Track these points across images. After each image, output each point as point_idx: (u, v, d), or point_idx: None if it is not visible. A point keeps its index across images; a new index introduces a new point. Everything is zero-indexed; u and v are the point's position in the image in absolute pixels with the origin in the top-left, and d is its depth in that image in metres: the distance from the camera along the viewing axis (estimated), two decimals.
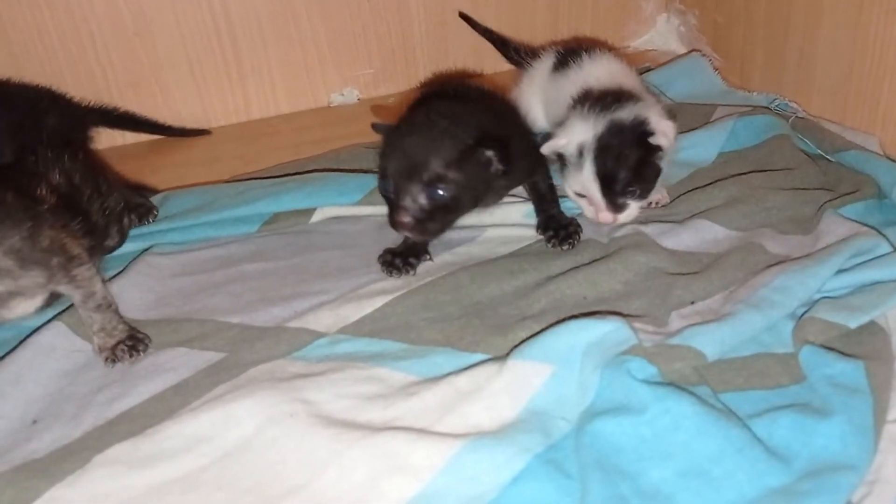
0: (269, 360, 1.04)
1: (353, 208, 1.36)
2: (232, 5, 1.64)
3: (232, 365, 1.03)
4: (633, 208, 1.21)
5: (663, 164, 1.22)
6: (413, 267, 1.20)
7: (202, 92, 1.70)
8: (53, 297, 1.08)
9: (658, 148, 1.19)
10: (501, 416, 0.91)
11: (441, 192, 1.06)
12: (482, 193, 1.12)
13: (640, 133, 1.18)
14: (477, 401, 0.93)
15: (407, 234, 1.10)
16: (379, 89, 1.82)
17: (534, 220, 1.27)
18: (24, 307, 1.05)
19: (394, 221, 1.08)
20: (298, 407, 0.93)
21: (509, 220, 1.29)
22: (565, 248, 1.20)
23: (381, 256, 1.22)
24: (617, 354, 0.94)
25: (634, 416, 0.87)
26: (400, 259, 1.20)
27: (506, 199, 1.32)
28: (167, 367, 1.04)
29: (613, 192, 1.18)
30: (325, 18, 1.71)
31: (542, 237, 1.23)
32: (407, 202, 1.07)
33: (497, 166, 1.08)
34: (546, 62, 1.46)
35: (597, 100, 1.23)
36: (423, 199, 1.07)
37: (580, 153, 1.19)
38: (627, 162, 1.17)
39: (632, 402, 0.88)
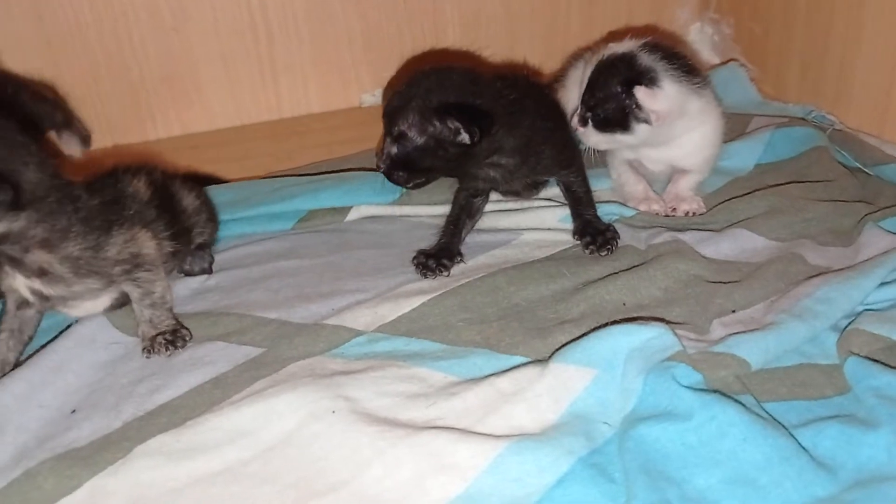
0: (308, 357, 1.04)
1: (388, 208, 1.36)
2: (270, 3, 1.65)
3: (271, 360, 1.04)
4: (591, 131, 1.27)
5: (636, 128, 1.24)
6: (446, 268, 1.20)
7: (235, 89, 1.71)
8: (124, 299, 1.09)
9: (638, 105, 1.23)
10: (544, 418, 0.91)
11: (403, 148, 1.11)
12: (453, 158, 1.13)
13: (629, 72, 1.23)
14: (519, 402, 0.93)
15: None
16: None
17: (569, 225, 1.27)
18: (89, 307, 1.06)
19: (377, 163, 1.15)
20: (340, 403, 0.93)
21: (545, 224, 1.29)
22: (603, 253, 1.20)
23: (414, 258, 1.22)
24: (661, 360, 0.94)
25: (680, 422, 0.86)
26: (433, 260, 1.20)
27: (541, 204, 1.33)
28: (206, 360, 1.05)
29: (583, 108, 1.27)
30: (361, 18, 1.72)
31: (578, 242, 1.23)
32: (384, 149, 1.14)
33: (461, 136, 1.10)
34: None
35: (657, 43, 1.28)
36: (393, 150, 1.12)
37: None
38: (602, 89, 1.24)
39: (677, 408, 0.88)
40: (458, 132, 1.09)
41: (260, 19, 1.66)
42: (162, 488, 0.87)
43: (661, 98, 1.22)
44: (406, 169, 1.12)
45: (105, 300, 1.07)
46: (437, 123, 1.09)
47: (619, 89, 1.23)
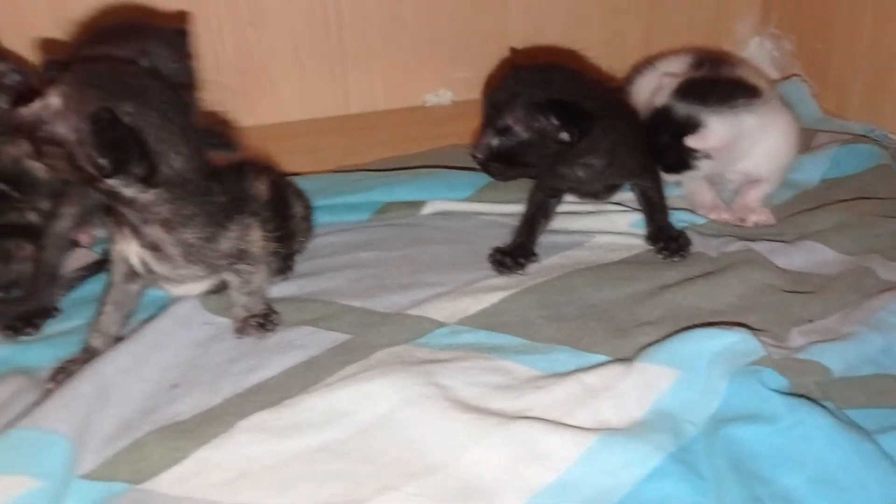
0: (395, 345, 1.08)
1: (462, 204, 1.40)
2: (345, 1, 1.68)
3: (359, 346, 1.08)
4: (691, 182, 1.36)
5: (701, 164, 1.30)
6: (522, 266, 1.24)
7: (305, 83, 1.75)
8: (222, 285, 1.12)
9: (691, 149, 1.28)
10: (629, 415, 0.95)
11: (506, 141, 1.14)
12: (551, 157, 1.16)
13: (676, 129, 1.28)
14: (605, 399, 0.96)
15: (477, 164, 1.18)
16: (473, 92, 1.84)
17: (640, 230, 1.30)
18: (190, 288, 1.11)
19: (472, 153, 1.18)
20: (433, 390, 0.97)
21: (616, 227, 1.32)
22: (676, 259, 1.23)
23: (491, 255, 1.25)
24: (745, 364, 0.97)
25: (767, 424, 0.90)
26: (510, 258, 1.24)
27: (612, 208, 1.37)
28: (296, 343, 1.09)
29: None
30: (430, 18, 1.76)
31: (651, 247, 1.27)
32: (483, 140, 1.15)
33: (562, 134, 1.13)
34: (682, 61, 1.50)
35: (695, 84, 1.32)
36: (494, 142, 1.15)
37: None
38: (653, 141, 1.30)
39: (764, 410, 0.91)
40: (559, 130, 1.12)
41: (333, 16, 1.70)
42: (265, 462, 0.91)
43: (711, 136, 1.27)
44: (504, 161, 1.15)
45: (205, 284, 1.11)
46: (542, 120, 1.12)
47: (670, 143, 1.29)
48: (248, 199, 1.09)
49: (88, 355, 1.04)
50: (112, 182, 0.92)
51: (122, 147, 0.89)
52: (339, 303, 1.16)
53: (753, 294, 1.14)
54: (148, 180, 0.93)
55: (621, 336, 1.08)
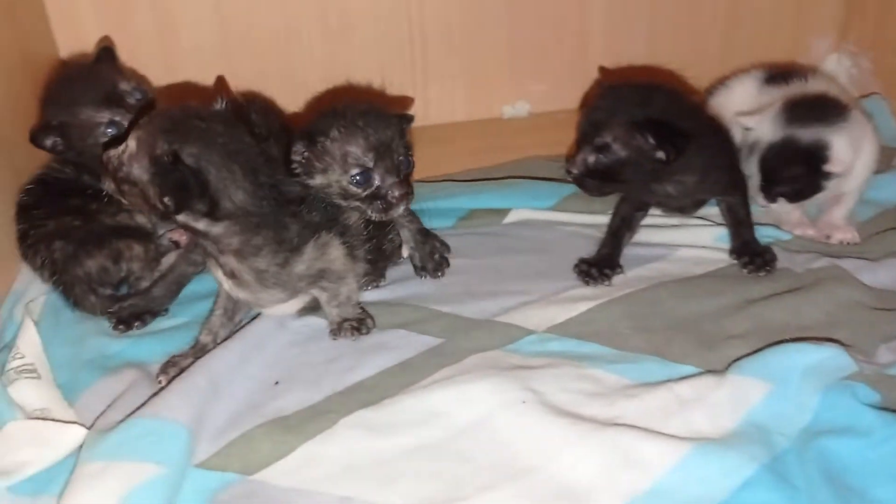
0: (486, 350, 1.11)
1: (545, 213, 1.43)
2: (429, 13, 1.73)
3: (451, 350, 1.11)
4: (783, 204, 1.34)
5: (829, 185, 1.30)
6: (608, 277, 1.26)
7: (387, 94, 1.80)
8: (315, 303, 1.17)
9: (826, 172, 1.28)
10: (722, 425, 0.97)
11: (603, 159, 1.17)
12: (646, 175, 1.19)
13: (812, 156, 1.28)
14: (698, 409, 0.99)
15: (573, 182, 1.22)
16: (550, 105, 1.88)
17: (724, 244, 1.32)
18: (280, 309, 1.15)
19: (567, 169, 1.21)
20: (528, 395, 1.01)
21: (700, 241, 1.34)
22: (762, 274, 1.24)
23: (576, 265, 1.28)
24: (838, 379, 0.98)
25: (860, 437, 0.92)
26: (596, 269, 1.27)
27: (695, 222, 1.38)
28: (390, 345, 1.13)
29: (769, 191, 1.32)
30: (511, 31, 1.79)
31: (735, 261, 1.28)
32: (579, 157, 1.19)
33: (659, 153, 1.15)
34: (754, 77, 1.53)
35: (796, 108, 1.32)
36: (590, 159, 1.18)
37: (752, 148, 1.32)
38: (785, 174, 1.30)
39: (857, 424, 0.93)
40: (656, 149, 1.14)
41: (417, 29, 1.74)
42: (368, 458, 0.95)
43: (842, 155, 1.28)
44: (600, 178, 1.18)
45: (295, 304, 1.16)
46: (640, 139, 1.14)
47: (805, 171, 1.30)
48: (333, 220, 1.13)
49: (197, 351, 1.10)
50: (182, 217, 0.99)
51: (183, 186, 0.95)
52: (429, 307, 1.20)
53: (841, 310, 1.15)
54: (211, 215, 0.98)
55: (709, 348, 1.10)
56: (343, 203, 1.12)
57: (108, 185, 1.01)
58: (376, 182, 1.10)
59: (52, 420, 1.00)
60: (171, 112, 1.00)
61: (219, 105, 1.03)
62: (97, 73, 1.31)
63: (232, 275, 1.07)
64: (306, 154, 1.10)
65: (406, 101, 1.61)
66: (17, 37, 1.41)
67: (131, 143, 0.97)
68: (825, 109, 1.32)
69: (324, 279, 1.12)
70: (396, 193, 1.10)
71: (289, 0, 1.65)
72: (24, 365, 1.07)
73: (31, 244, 1.23)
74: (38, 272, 1.24)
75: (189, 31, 1.63)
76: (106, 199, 1.06)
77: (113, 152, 0.98)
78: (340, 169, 1.09)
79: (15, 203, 1.27)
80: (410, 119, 1.20)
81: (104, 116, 1.26)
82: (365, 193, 1.10)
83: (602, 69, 1.42)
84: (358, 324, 1.15)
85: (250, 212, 1.01)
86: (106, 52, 1.36)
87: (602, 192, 1.23)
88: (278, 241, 1.05)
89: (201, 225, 1.00)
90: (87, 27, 1.58)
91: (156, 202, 0.97)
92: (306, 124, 1.15)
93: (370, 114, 1.12)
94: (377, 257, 1.21)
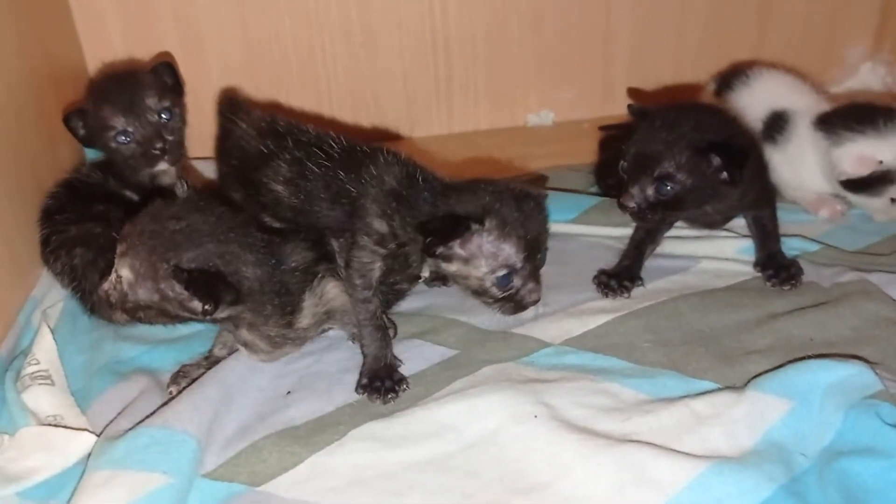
0: (501, 362, 1.10)
1: (566, 226, 1.41)
2: (452, 23, 1.72)
3: (466, 362, 1.10)
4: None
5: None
6: (628, 290, 1.24)
7: (411, 103, 1.79)
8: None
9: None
10: (740, 444, 0.94)
11: (668, 188, 1.13)
12: (707, 198, 1.16)
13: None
14: (715, 426, 0.96)
15: (629, 216, 1.18)
16: (574, 113, 1.87)
17: (748, 256, 1.28)
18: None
19: (620, 203, 1.16)
20: (541, 409, 0.99)
21: (722, 253, 1.31)
22: (786, 288, 1.21)
23: (596, 277, 1.26)
24: (862, 398, 0.95)
25: (884, 459, 0.88)
26: (615, 281, 1.24)
27: (718, 234, 1.35)
28: (405, 356, 1.12)
29: None
30: (536, 40, 1.78)
31: (759, 274, 1.25)
32: (635, 190, 1.15)
33: (724, 175, 1.12)
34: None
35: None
36: (650, 191, 1.14)
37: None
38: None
39: (880, 445, 0.89)
40: (720, 171, 1.11)
41: (441, 38, 1.74)
42: (377, 471, 0.94)
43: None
44: (663, 210, 1.15)
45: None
46: (706, 164, 1.11)
47: None
48: (326, 257, 1.12)
49: (210, 362, 1.10)
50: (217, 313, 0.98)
51: (207, 288, 0.94)
52: (444, 317, 1.19)
53: (868, 326, 1.11)
54: (238, 301, 0.98)
55: (729, 364, 1.07)
56: (464, 292, 1.05)
57: (120, 318, 1.02)
58: (516, 284, 1.02)
59: (64, 427, 1.01)
60: (146, 228, 0.97)
61: (181, 191, 1.02)
62: (136, 81, 1.33)
63: (245, 344, 1.08)
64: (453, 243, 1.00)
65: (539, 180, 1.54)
66: (44, 49, 1.43)
67: (125, 273, 0.96)
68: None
69: (331, 319, 1.12)
70: (532, 298, 1.03)
71: (312, 10, 1.66)
72: (38, 371, 1.08)
73: (53, 249, 1.24)
74: (58, 277, 1.25)
75: (213, 42, 1.65)
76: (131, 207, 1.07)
77: (107, 287, 0.98)
78: (488, 267, 1.00)
79: (40, 207, 1.28)
80: (545, 197, 1.10)
81: (118, 122, 1.28)
82: (501, 295, 1.02)
83: (630, 90, 1.39)
84: None
85: (262, 283, 1.01)
86: (163, 66, 1.38)
87: (661, 222, 1.20)
88: (282, 306, 1.05)
89: (226, 313, 1.00)
90: (114, 39, 1.60)
91: (181, 312, 0.97)
92: (445, 191, 1.05)
93: (526, 203, 1.02)
94: (390, 297, 1.20)
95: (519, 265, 1.01)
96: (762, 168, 1.26)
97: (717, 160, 1.11)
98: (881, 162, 1.31)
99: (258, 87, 1.70)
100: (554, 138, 1.80)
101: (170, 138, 1.31)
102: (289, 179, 1.14)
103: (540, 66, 1.81)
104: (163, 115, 1.31)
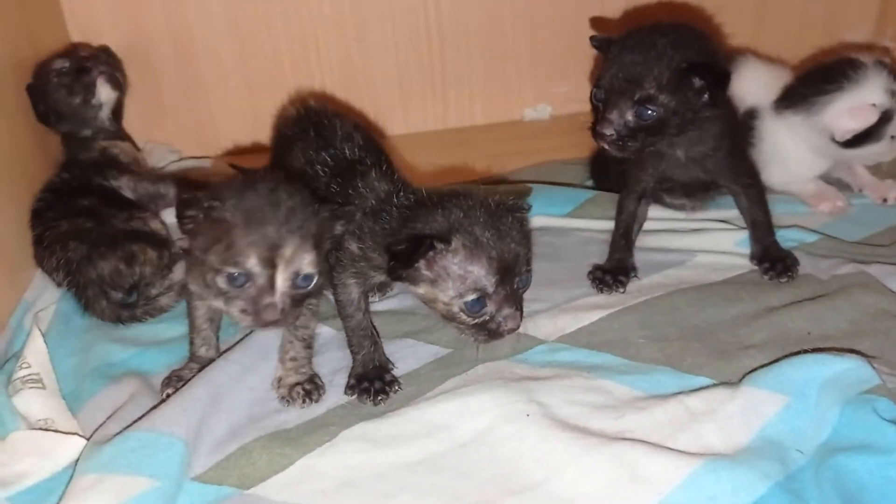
0: (494, 360, 1.08)
1: (561, 220, 1.39)
2: (446, 18, 1.71)
3: (458, 360, 1.09)
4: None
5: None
6: (623, 285, 1.22)
7: (405, 98, 1.78)
8: None
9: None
10: (734, 440, 0.93)
11: (650, 112, 1.07)
12: (687, 124, 1.09)
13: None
14: (709, 422, 0.95)
15: (605, 146, 1.10)
16: (571, 107, 1.83)
17: (745, 249, 1.27)
18: None
19: (596, 132, 1.10)
20: (533, 408, 0.98)
21: (719, 246, 1.30)
22: (783, 280, 1.19)
23: (590, 272, 1.25)
24: (858, 393, 0.94)
25: (880, 455, 0.87)
26: (610, 276, 1.23)
27: (715, 226, 1.34)
28: (397, 356, 1.11)
29: None
30: (530, 35, 1.76)
31: (756, 267, 1.23)
32: (614, 116, 1.08)
33: (706, 96, 1.07)
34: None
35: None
36: (629, 116, 1.08)
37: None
38: None
39: (877, 441, 0.88)
40: (702, 93, 1.06)
41: (435, 33, 1.72)
42: (367, 472, 0.93)
43: None
44: (643, 137, 1.08)
45: None
46: (687, 85, 1.05)
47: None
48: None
49: (198, 363, 1.09)
50: None
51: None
52: None
53: (866, 319, 1.10)
54: None
55: (725, 358, 1.05)
56: (438, 315, 0.97)
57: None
58: (489, 310, 0.94)
59: (54, 431, 1.00)
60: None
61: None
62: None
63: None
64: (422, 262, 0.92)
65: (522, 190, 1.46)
66: (34, 48, 1.42)
67: None
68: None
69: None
70: (508, 326, 0.94)
71: (304, 4, 1.64)
72: (29, 375, 1.07)
73: (47, 245, 1.25)
74: (53, 274, 1.25)
75: (204, 36, 1.63)
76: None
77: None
78: (455, 291, 0.92)
79: (29, 210, 1.29)
80: (528, 208, 1.02)
81: (56, 62, 1.38)
82: (472, 322, 0.94)
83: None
84: (311, 387, 1.05)
85: None
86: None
87: (639, 153, 1.12)
88: None
89: None
90: (104, 35, 1.58)
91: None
92: (415, 208, 0.98)
93: (502, 219, 0.94)
94: None
95: (490, 289, 0.92)
96: (735, 125, 1.23)
97: (699, 81, 1.06)
98: (874, 105, 1.29)
99: (250, 81, 1.69)
100: (551, 132, 1.79)
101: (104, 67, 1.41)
102: (303, 165, 1.12)
103: (535, 60, 1.79)
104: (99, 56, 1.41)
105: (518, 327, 0.95)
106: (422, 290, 0.94)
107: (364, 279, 1.05)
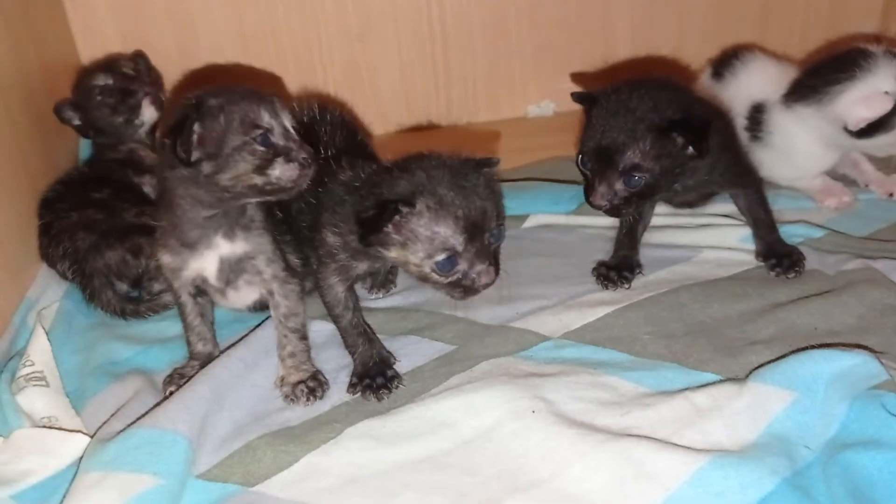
0: (499, 357, 1.08)
1: (565, 217, 1.39)
2: (449, 15, 1.70)
3: (463, 357, 1.08)
4: None
5: None
6: (628, 281, 1.22)
7: (409, 95, 1.78)
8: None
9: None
10: (741, 436, 0.92)
11: (637, 179, 1.08)
12: (676, 177, 1.11)
13: None
14: (716, 419, 0.94)
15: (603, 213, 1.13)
16: (576, 104, 1.83)
17: (750, 245, 1.26)
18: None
19: (590, 202, 1.12)
20: (539, 404, 0.97)
21: (725, 242, 1.29)
22: (791, 276, 1.19)
23: (595, 269, 1.24)
24: (866, 388, 0.93)
25: (888, 451, 0.86)
26: (615, 272, 1.22)
27: (721, 221, 1.33)
28: (401, 353, 1.10)
29: None
30: (534, 31, 1.76)
31: (762, 263, 1.23)
32: (603, 188, 1.10)
33: (690, 150, 1.07)
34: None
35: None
36: (619, 186, 1.09)
37: None
38: None
39: (885, 437, 0.88)
40: (685, 148, 1.07)
41: (438, 30, 1.72)
42: (372, 469, 0.93)
43: None
44: (637, 201, 1.11)
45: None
46: (669, 144, 1.07)
47: None
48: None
49: (198, 360, 1.09)
50: None
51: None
52: (442, 313, 1.18)
53: (874, 315, 1.09)
54: None
55: (731, 355, 1.05)
56: (414, 277, 0.98)
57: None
58: (462, 268, 0.95)
59: (58, 429, 1.00)
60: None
61: None
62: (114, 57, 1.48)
63: None
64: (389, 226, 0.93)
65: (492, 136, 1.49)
66: (38, 49, 1.42)
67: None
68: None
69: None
70: (483, 281, 0.95)
71: (308, 3, 1.64)
72: (33, 373, 1.07)
73: (55, 234, 1.25)
74: (59, 264, 1.26)
75: (208, 35, 1.63)
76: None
77: None
78: (424, 252, 0.93)
79: (38, 199, 1.30)
80: (495, 163, 1.01)
81: (99, 79, 1.37)
82: (446, 281, 0.96)
83: (574, 75, 1.37)
84: (315, 384, 1.05)
85: None
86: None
87: (639, 210, 1.17)
88: None
89: None
90: (108, 35, 1.59)
91: None
92: (380, 177, 0.98)
93: (468, 176, 0.95)
94: None
95: (460, 247, 0.92)
96: (730, 137, 1.22)
97: (680, 139, 1.07)
98: (887, 93, 1.28)
99: (255, 79, 1.68)
100: (555, 129, 1.77)
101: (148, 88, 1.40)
102: None
103: (539, 56, 1.79)
104: (141, 72, 1.41)
105: (492, 281, 0.96)
106: (393, 253, 0.95)
107: (347, 272, 1.05)
